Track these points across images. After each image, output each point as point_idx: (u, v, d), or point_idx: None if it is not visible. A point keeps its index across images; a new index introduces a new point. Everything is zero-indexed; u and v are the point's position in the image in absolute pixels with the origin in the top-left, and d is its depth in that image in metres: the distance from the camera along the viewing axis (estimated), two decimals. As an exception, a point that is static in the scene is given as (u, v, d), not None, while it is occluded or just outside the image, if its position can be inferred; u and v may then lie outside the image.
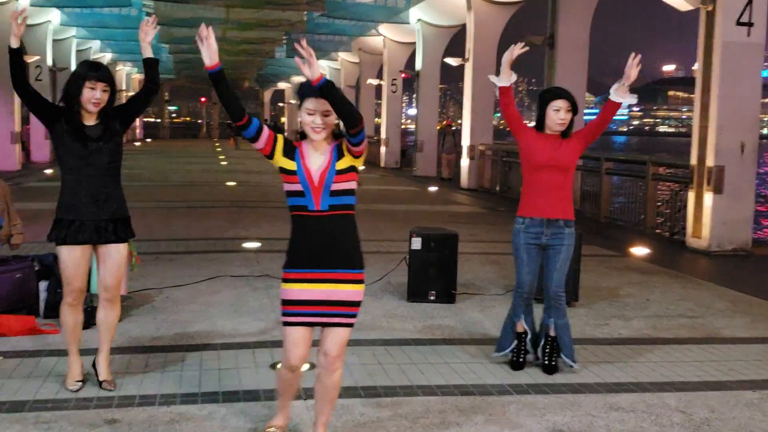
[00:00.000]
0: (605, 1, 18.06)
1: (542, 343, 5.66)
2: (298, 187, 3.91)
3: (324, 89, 3.73)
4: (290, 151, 3.95)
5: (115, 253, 5.02)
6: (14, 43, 4.83)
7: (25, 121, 27.68)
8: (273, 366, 5.58)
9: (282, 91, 73.43)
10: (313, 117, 3.89)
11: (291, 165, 3.92)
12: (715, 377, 5.67)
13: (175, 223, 12.64)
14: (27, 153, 27.98)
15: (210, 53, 3.89)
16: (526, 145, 5.50)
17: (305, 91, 3.92)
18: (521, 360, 5.67)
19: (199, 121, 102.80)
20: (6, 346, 5.96)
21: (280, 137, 3.99)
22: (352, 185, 3.98)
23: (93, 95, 4.77)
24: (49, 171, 24.00)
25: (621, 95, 5.33)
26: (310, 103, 3.89)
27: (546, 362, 5.60)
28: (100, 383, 5.09)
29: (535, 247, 5.54)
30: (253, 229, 12.38)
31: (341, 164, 3.92)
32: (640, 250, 11.24)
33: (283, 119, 77.58)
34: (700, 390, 5.36)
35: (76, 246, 4.92)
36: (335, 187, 3.90)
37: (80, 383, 5.06)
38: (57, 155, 4.96)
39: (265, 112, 76.90)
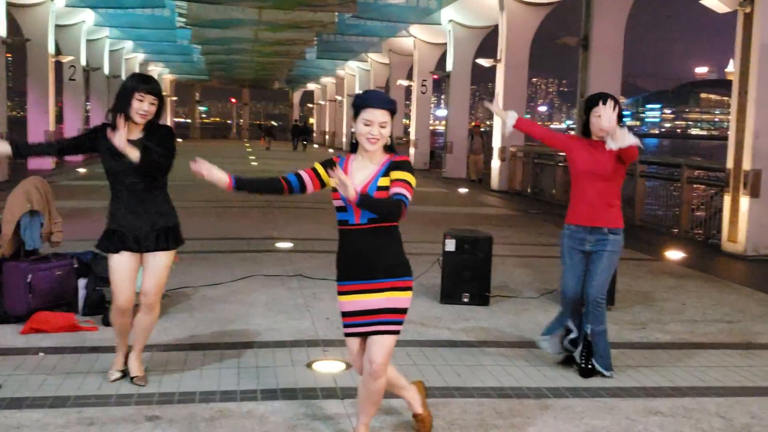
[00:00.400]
0: (638, 2, 17.91)
1: (580, 347, 5.64)
2: (340, 202, 3.94)
3: (362, 205, 3.78)
4: (330, 167, 3.94)
5: (156, 260, 5.09)
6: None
7: (58, 120, 28.02)
8: (309, 365, 5.62)
9: (311, 92, 73.65)
10: (370, 128, 3.90)
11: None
12: (755, 383, 5.62)
13: (208, 222, 12.75)
14: (60, 152, 28.23)
15: (216, 180, 4.01)
16: (568, 153, 5.60)
17: (363, 101, 3.95)
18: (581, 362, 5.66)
19: (229, 121, 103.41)
20: (46, 342, 6.05)
21: (317, 167, 4.06)
22: None
23: (141, 107, 4.88)
24: (82, 170, 24.29)
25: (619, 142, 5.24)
26: (368, 114, 3.91)
27: (583, 366, 5.58)
28: (131, 379, 5.17)
29: (579, 253, 5.55)
30: (285, 229, 12.45)
31: (384, 181, 3.93)
32: (674, 254, 11.16)
33: (312, 120, 77.86)
34: (740, 395, 5.31)
35: (119, 254, 5.05)
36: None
37: (119, 374, 5.20)
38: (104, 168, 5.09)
39: (294, 112, 77.15)
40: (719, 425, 4.75)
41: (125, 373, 5.22)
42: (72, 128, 29.59)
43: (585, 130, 5.53)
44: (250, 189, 4.19)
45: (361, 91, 4.01)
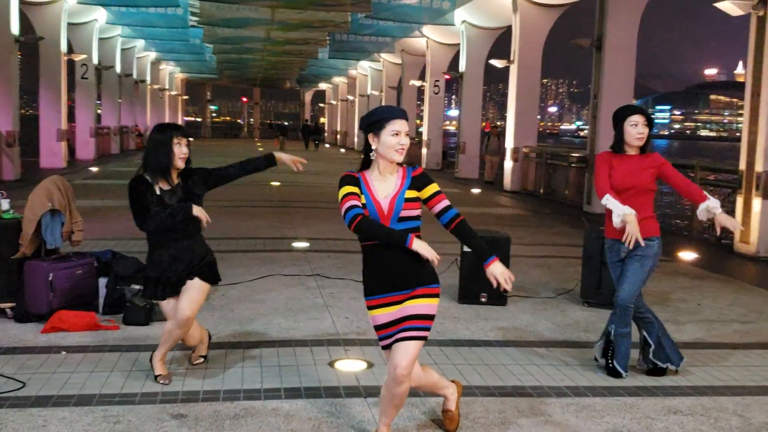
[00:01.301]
0: (650, 3, 17.90)
1: (603, 346, 5.69)
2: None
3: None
4: (357, 185, 4.03)
5: (193, 284, 5.23)
6: None
7: (70, 118, 28.14)
8: (331, 364, 5.67)
9: (323, 92, 73.72)
10: (399, 138, 3.97)
11: (362, 199, 4.01)
12: (773, 383, 5.66)
13: (224, 222, 12.80)
14: (71, 150, 28.44)
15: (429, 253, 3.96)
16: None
17: (386, 114, 4.02)
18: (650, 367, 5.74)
19: (240, 120, 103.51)
20: (68, 341, 6.12)
21: (350, 188, 4.01)
22: (418, 212, 4.06)
23: (181, 151, 5.10)
24: (94, 168, 24.41)
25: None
26: (395, 125, 3.98)
27: (610, 365, 5.63)
28: (155, 377, 5.24)
29: (620, 264, 5.64)
30: (301, 229, 12.52)
31: (410, 194, 4.01)
32: (688, 255, 11.18)
33: (323, 120, 77.90)
34: (758, 395, 5.35)
35: (166, 301, 5.26)
36: (404, 213, 3.99)
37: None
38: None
39: (306, 112, 77.23)
40: (738, 424, 4.79)
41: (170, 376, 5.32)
42: (84, 127, 29.71)
43: (618, 144, 5.57)
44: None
45: (370, 111, 4.10)
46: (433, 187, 4.06)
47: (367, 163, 4.11)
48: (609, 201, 5.36)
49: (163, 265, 5.17)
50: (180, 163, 5.12)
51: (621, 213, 5.27)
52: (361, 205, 3.96)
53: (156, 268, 5.19)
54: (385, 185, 4.03)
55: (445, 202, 4.06)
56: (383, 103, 40.76)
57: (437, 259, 3.88)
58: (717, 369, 5.92)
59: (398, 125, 3.98)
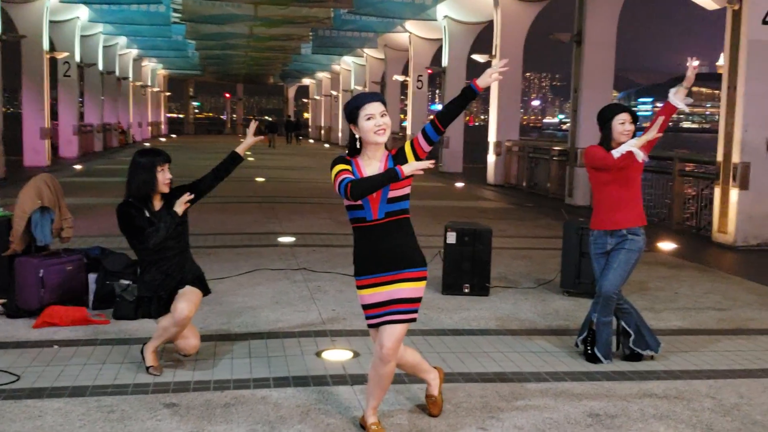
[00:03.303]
0: (631, -2, 18.11)
1: (584, 334, 5.88)
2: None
3: (444, 122, 4.09)
4: (347, 164, 4.19)
5: (189, 291, 5.43)
6: None
7: (53, 116, 28.12)
8: (319, 354, 5.83)
9: (306, 87, 73.73)
10: (375, 120, 4.12)
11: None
12: (744, 366, 5.87)
13: (210, 217, 12.91)
14: (54, 149, 28.42)
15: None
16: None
17: (357, 101, 4.18)
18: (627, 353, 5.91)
19: (223, 116, 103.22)
20: (59, 336, 6.24)
21: (344, 166, 4.16)
22: (407, 190, 4.22)
23: (165, 177, 5.33)
24: (78, 166, 24.41)
25: (680, 99, 5.63)
26: (366, 109, 4.13)
27: (589, 351, 5.82)
28: (147, 369, 5.37)
29: (604, 256, 5.81)
30: (287, 224, 12.66)
31: None
32: (667, 245, 11.39)
33: (307, 115, 77.88)
34: (729, 378, 5.56)
35: (159, 317, 5.42)
36: (392, 194, 4.15)
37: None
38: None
39: (289, 107, 77.21)
40: (710, 405, 4.99)
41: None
42: (67, 125, 29.69)
43: (604, 142, 5.75)
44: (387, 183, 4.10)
45: (345, 103, 4.26)
46: (408, 143, 4.20)
47: (354, 150, 4.25)
48: (620, 150, 5.54)
49: (155, 284, 5.36)
50: (164, 189, 5.33)
51: (632, 143, 5.52)
52: (351, 177, 4.08)
53: (149, 288, 5.38)
54: (372, 170, 4.18)
55: (420, 132, 4.18)
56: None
57: (431, 163, 3.93)
58: (691, 354, 6.12)
59: (370, 108, 4.12)
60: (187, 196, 5.31)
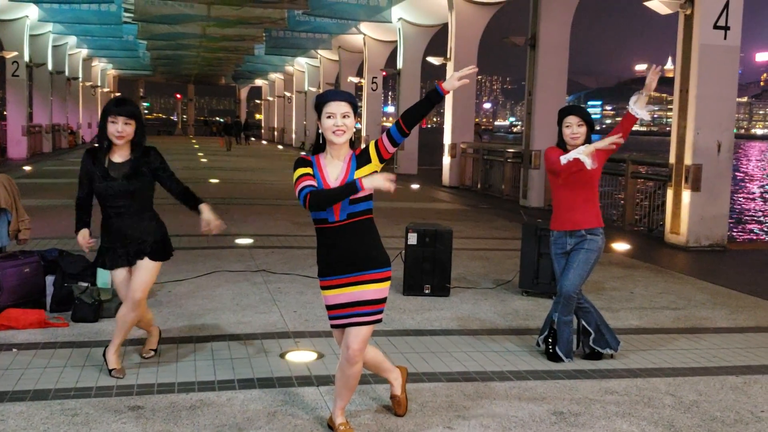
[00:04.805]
0: (581, 2, 18.34)
1: (546, 333, 5.95)
2: None
3: (408, 124, 4.09)
4: (309, 167, 4.16)
5: (144, 264, 5.36)
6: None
7: (1, 117, 27.63)
8: (282, 356, 5.83)
9: (259, 88, 73.39)
10: (334, 120, 4.10)
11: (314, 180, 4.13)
12: (701, 364, 6.00)
13: (165, 219, 12.68)
14: (2, 150, 27.92)
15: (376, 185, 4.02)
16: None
17: (323, 97, 4.16)
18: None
19: (173, 117, 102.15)
20: (18, 339, 6.14)
21: (304, 170, 4.13)
22: (371, 190, 4.17)
23: (115, 129, 5.13)
24: (27, 168, 23.99)
25: (640, 108, 5.71)
26: (329, 107, 4.11)
27: (551, 351, 5.89)
28: (109, 371, 5.31)
29: (564, 256, 5.87)
30: (243, 225, 12.59)
31: (361, 172, 4.14)
32: (620, 246, 11.57)
33: (259, 116, 77.47)
34: (688, 375, 5.68)
35: (116, 269, 5.34)
36: (354, 196, 4.09)
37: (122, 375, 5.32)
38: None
39: (241, 108, 76.75)
40: (670, 402, 5.10)
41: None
42: (16, 126, 29.19)
43: (561, 144, 5.82)
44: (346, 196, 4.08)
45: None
46: (372, 143, 4.19)
47: (319, 147, 4.24)
48: (567, 157, 5.56)
49: (110, 236, 5.28)
50: (116, 141, 5.16)
51: (580, 150, 5.50)
52: (313, 184, 4.06)
53: (104, 239, 5.31)
54: (334, 168, 4.17)
55: (384, 133, 4.18)
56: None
57: (393, 183, 3.93)
58: (649, 353, 6.24)
59: (332, 107, 4.10)
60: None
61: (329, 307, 4.31)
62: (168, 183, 5.46)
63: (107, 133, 5.14)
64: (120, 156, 5.23)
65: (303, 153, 4.35)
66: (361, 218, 4.20)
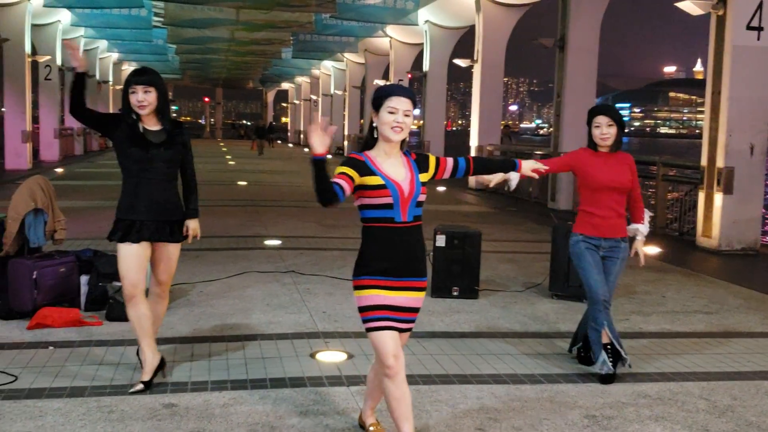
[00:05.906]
0: (610, 3, 18.24)
1: (577, 338, 5.93)
2: (388, 200, 3.92)
3: (476, 169, 4.33)
4: (362, 167, 3.96)
5: (170, 250, 5.31)
6: (80, 68, 5.19)
7: (34, 120, 27.95)
8: (313, 356, 5.86)
9: (285, 92, 73.71)
10: (395, 115, 3.94)
11: (376, 180, 3.93)
12: (735, 368, 5.95)
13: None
14: (35, 152, 28.22)
15: (317, 145, 3.76)
16: (581, 168, 5.68)
17: (387, 91, 4.00)
18: (611, 374, 5.55)
19: (201, 120, 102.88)
20: (53, 337, 6.23)
21: (345, 169, 3.91)
22: (425, 195, 4.09)
23: (135, 98, 5.07)
24: (59, 170, 24.27)
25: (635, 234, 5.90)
26: (393, 102, 3.95)
27: (582, 355, 5.87)
28: (155, 373, 5.25)
29: (597, 251, 5.67)
30: (272, 227, 12.67)
31: (423, 177, 4.06)
32: (652, 249, 11.49)
33: (285, 119, 77.78)
34: (722, 380, 5.63)
35: (133, 244, 5.13)
36: (420, 198, 4.00)
37: (141, 385, 5.09)
38: (118, 161, 5.20)
39: (268, 112, 77.08)
40: (704, 406, 5.07)
41: (147, 386, 5.13)
42: (48, 128, 29.52)
43: (591, 142, 5.76)
44: (324, 172, 3.81)
45: (383, 84, 4.14)
46: (433, 158, 4.13)
47: (368, 144, 4.09)
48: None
49: (136, 205, 5.12)
50: (139, 110, 5.09)
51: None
52: (341, 183, 3.85)
53: (128, 210, 5.14)
54: (397, 168, 4.00)
55: (451, 159, 4.20)
56: (346, 103, 40.93)
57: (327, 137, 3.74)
58: (683, 357, 6.21)
59: (395, 102, 3.95)
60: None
61: (366, 308, 4.03)
62: (185, 163, 5.36)
63: (130, 104, 5.10)
64: (151, 125, 5.16)
65: (355, 152, 4.27)
66: (419, 222, 4.06)
